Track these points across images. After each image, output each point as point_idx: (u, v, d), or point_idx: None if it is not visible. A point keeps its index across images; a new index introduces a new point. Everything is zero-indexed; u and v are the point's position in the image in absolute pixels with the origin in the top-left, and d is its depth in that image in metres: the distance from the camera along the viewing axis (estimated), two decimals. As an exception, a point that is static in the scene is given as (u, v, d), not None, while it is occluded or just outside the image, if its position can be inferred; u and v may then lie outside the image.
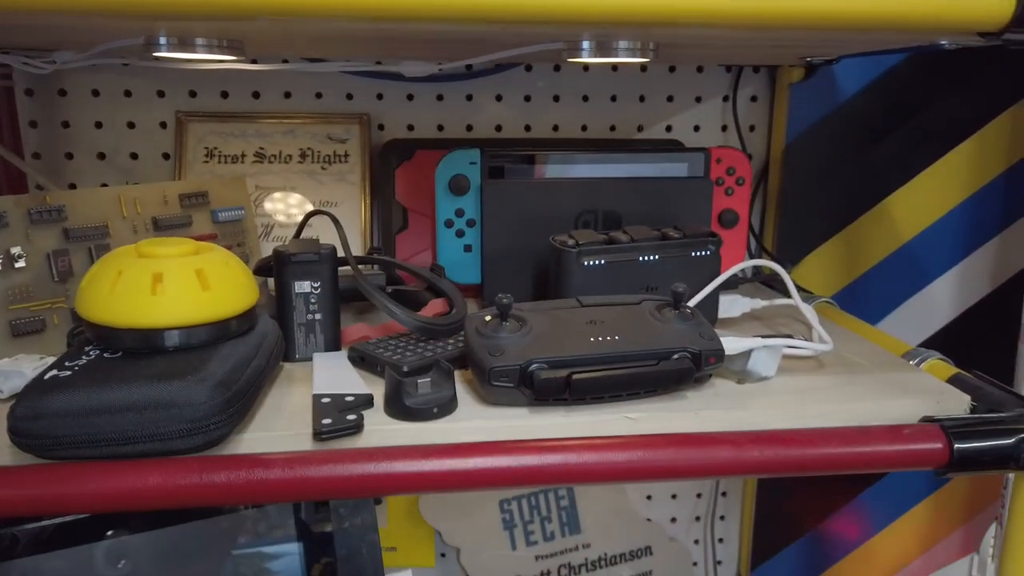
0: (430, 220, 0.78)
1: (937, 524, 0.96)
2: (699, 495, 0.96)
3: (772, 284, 0.79)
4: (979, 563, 0.78)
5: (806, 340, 0.59)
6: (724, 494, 0.96)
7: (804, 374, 0.56)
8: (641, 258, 0.60)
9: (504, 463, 0.43)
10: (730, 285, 0.68)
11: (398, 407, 0.48)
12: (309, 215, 0.63)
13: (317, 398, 0.49)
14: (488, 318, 0.51)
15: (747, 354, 0.53)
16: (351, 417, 0.46)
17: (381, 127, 0.82)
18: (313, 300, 0.57)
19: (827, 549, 0.96)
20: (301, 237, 0.63)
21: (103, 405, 0.41)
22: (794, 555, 0.96)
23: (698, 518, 0.96)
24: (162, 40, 0.56)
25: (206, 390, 0.42)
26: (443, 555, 0.91)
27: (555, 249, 0.60)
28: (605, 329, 0.51)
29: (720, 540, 0.97)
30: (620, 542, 0.92)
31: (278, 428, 0.46)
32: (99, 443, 0.41)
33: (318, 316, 0.58)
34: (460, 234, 0.70)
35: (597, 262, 0.59)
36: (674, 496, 0.95)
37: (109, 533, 0.52)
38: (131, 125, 0.79)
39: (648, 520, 0.94)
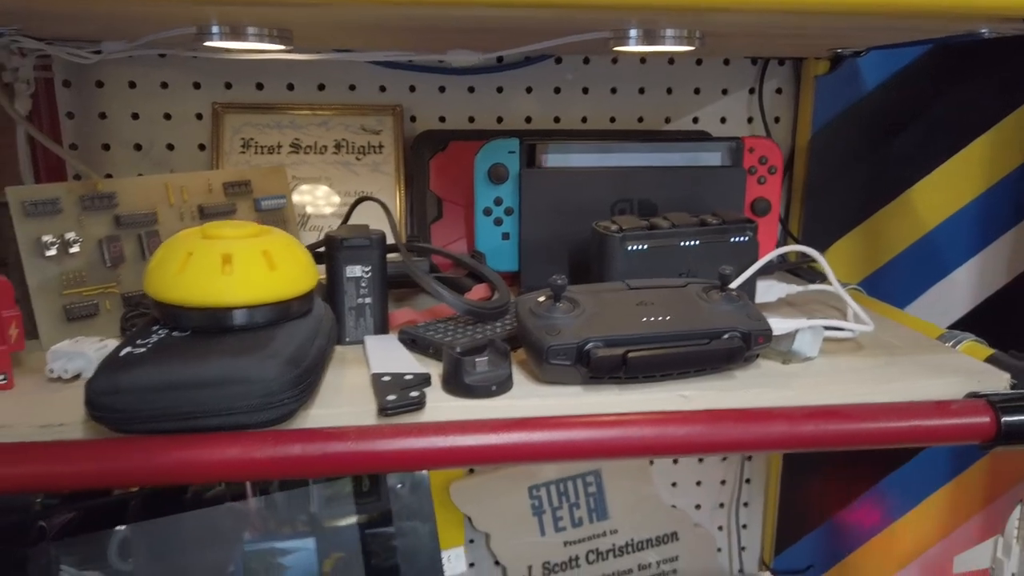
0: (464, 210, 0.79)
1: (957, 509, 0.97)
2: (723, 482, 0.97)
3: (798, 272, 0.80)
4: (1003, 545, 0.79)
5: (847, 322, 0.60)
6: (748, 481, 0.97)
7: (845, 355, 0.57)
8: (682, 243, 0.61)
9: (571, 436, 0.44)
10: (763, 272, 0.70)
11: (457, 385, 0.49)
12: (358, 201, 0.64)
13: (376, 377, 0.50)
14: (542, 299, 0.52)
15: (792, 335, 0.55)
16: (414, 394, 0.47)
17: (413, 119, 0.83)
18: (364, 284, 0.59)
19: (849, 535, 0.98)
20: (349, 223, 0.64)
21: (179, 381, 0.42)
22: (817, 541, 0.98)
23: (722, 505, 0.98)
24: (214, 29, 0.57)
25: (277, 366, 0.43)
26: (471, 540, 0.93)
27: (598, 234, 0.61)
28: (655, 310, 0.52)
29: (744, 526, 0.98)
30: (646, 528, 0.94)
31: (342, 405, 0.47)
32: (174, 417, 0.42)
33: (368, 300, 0.59)
34: (498, 222, 0.71)
35: (640, 247, 0.60)
36: (699, 483, 0.97)
37: (120, 527, 0.52)
38: (167, 117, 0.80)
39: (673, 507, 0.96)
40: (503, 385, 0.50)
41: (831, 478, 0.96)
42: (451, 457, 0.44)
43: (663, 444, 0.45)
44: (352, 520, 0.48)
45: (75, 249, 0.59)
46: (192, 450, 0.42)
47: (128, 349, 0.44)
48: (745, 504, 0.98)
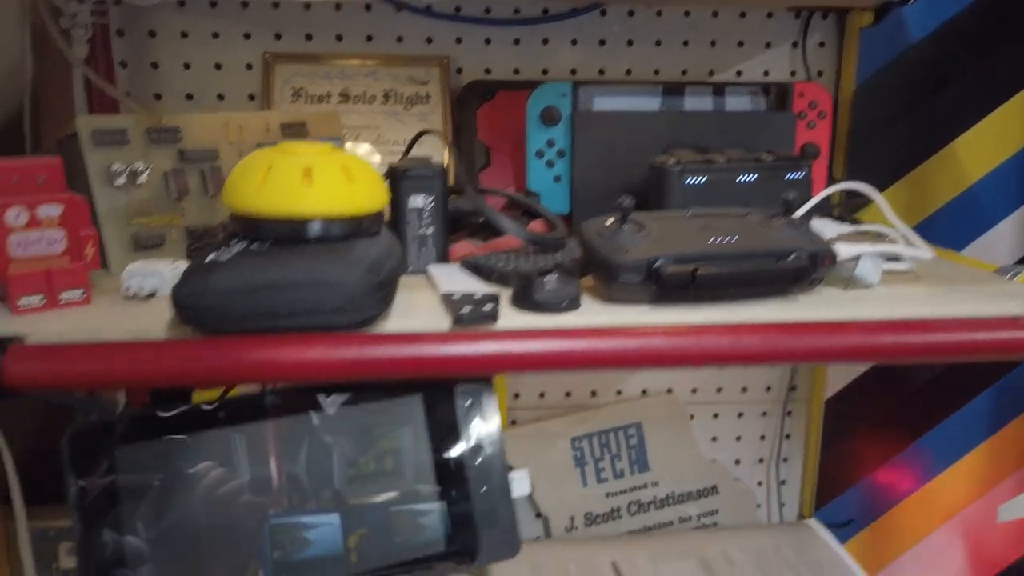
0: (511, 158, 0.80)
1: (997, 465, 0.97)
2: (763, 437, 0.98)
3: (842, 219, 0.80)
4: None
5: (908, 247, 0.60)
6: (788, 436, 0.98)
7: (905, 285, 0.58)
8: (739, 178, 0.62)
9: (647, 344, 0.45)
10: (816, 211, 0.70)
11: (528, 301, 0.50)
12: (419, 135, 0.65)
13: (447, 296, 0.51)
14: (609, 222, 0.53)
15: (855, 260, 0.55)
16: (488, 307, 0.48)
17: (459, 71, 0.84)
18: (426, 215, 0.59)
19: (889, 490, 0.98)
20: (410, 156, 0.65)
21: (266, 282, 0.43)
22: (856, 496, 0.98)
23: (761, 460, 0.98)
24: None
25: (359, 272, 0.44)
26: (513, 495, 0.93)
27: (655, 168, 0.61)
28: (721, 232, 0.52)
29: (783, 482, 0.98)
30: (687, 481, 0.94)
31: (417, 318, 0.48)
32: (261, 317, 0.43)
33: (430, 230, 0.60)
34: (550, 165, 0.71)
35: (698, 181, 0.61)
36: (738, 438, 0.97)
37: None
38: (218, 67, 0.81)
39: (713, 461, 0.96)
40: (572, 302, 0.50)
41: (871, 434, 0.97)
42: (528, 362, 0.45)
43: (739, 353, 0.45)
44: (376, 498, 0.50)
45: (142, 180, 0.60)
46: (279, 349, 0.43)
47: (212, 256, 0.45)
48: (784, 460, 0.98)
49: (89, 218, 0.52)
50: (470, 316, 0.47)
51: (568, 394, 0.94)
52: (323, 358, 0.43)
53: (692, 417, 0.96)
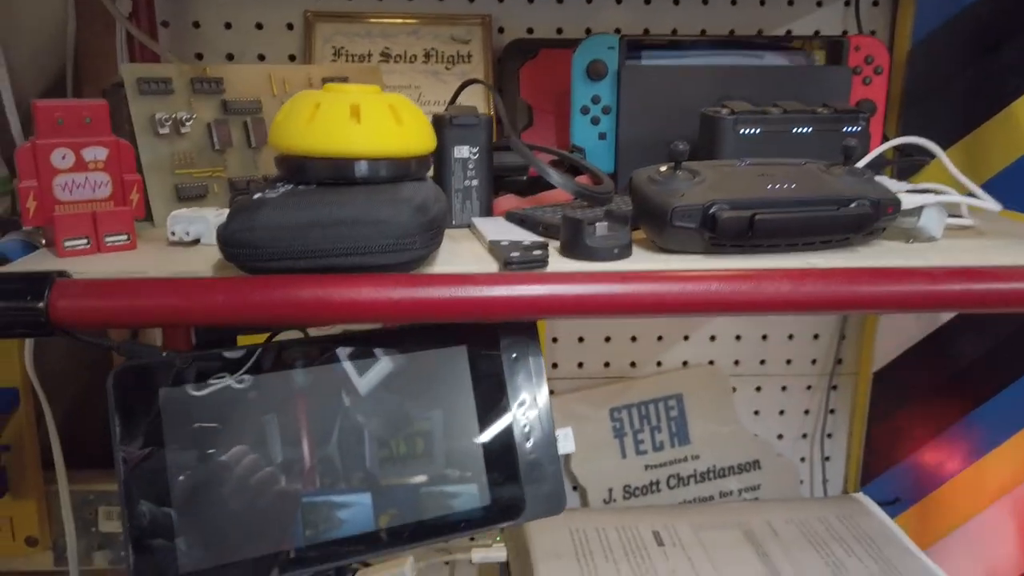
0: (555, 117, 0.78)
1: (1052, 444, 0.94)
2: (807, 412, 0.95)
3: (898, 181, 0.78)
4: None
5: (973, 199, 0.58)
6: (832, 411, 0.95)
7: (968, 239, 0.55)
8: (794, 130, 0.60)
9: (703, 288, 0.43)
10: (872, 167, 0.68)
11: (578, 248, 0.48)
12: (464, 84, 0.64)
13: (494, 243, 0.50)
14: (663, 168, 0.51)
15: (918, 210, 0.53)
16: (538, 252, 0.47)
17: (501, 30, 0.82)
18: (471, 166, 0.58)
19: (937, 468, 0.95)
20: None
21: (314, 219, 0.42)
22: (903, 474, 0.95)
23: (805, 435, 0.96)
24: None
25: (409, 211, 0.43)
26: (551, 465, 0.92)
27: (709, 118, 0.59)
28: (779, 180, 0.50)
29: (827, 458, 0.96)
30: (728, 455, 0.92)
31: (465, 264, 0.47)
32: (309, 255, 0.42)
33: (475, 182, 0.58)
34: (595, 121, 0.70)
35: (752, 131, 0.59)
36: (781, 412, 0.95)
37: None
38: (259, 26, 0.80)
39: (755, 436, 0.94)
40: (624, 250, 0.49)
41: (919, 409, 0.94)
42: (580, 305, 0.43)
43: (800, 300, 0.43)
44: (407, 480, 0.49)
45: (186, 129, 0.59)
46: (327, 288, 0.42)
47: (259, 195, 0.44)
48: (829, 435, 0.96)
49: (134, 163, 0.52)
50: (520, 260, 0.46)
51: (607, 364, 0.92)
52: (371, 298, 0.42)
53: (734, 390, 0.94)
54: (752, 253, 0.49)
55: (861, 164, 0.60)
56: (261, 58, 0.81)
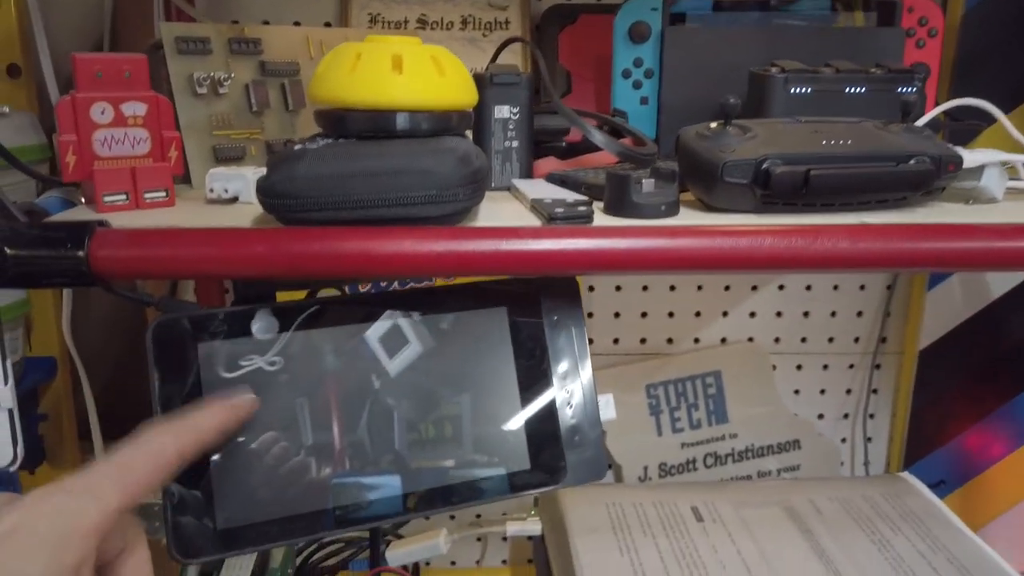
0: (594, 84, 0.77)
1: (1107, 427, 0.91)
2: (848, 391, 0.93)
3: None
4: None
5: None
6: (875, 391, 0.93)
7: (1031, 202, 0.53)
8: (847, 90, 0.58)
9: (756, 244, 0.42)
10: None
11: (624, 205, 0.47)
12: (505, 43, 0.62)
13: (537, 201, 0.48)
14: (713, 124, 0.49)
15: (979, 170, 0.51)
16: (582, 208, 0.45)
17: (539, -3, 0.81)
18: (511, 127, 0.57)
19: (982, 452, 0.92)
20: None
21: (355, 169, 0.41)
22: (947, 456, 0.92)
23: (846, 415, 0.94)
24: None
25: (451, 162, 0.42)
26: (585, 442, 0.91)
27: (758, 77, 0.57)
28: (834, 136, 0.49)
29: (869, 439, 0.94)
30: (767, 434, 0.90)
31: (508, 222, 0.46)
32: (350, 206, 0.41)
33: (515, 144, 0.57)
34: (637, 85, 0.68)
35: (804, 90, 0.57)
36: (822, 391, 0.93)
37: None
38: (294, -7, 0.80)
39: (795, 415, 0.92)
40: (672, 207, 0.47)
41: (965, 389, 0.91)
42: (628, 259, 0.42)
43: (858, 255, 0.41)
44: (446, 443, 0.48)
45: (224, 90, 0.58)
46: (369, 240, 0.41)
47: (300, 146, 0.43)
48: (871, 416, 0.93)
49: (172, 120, 0.51)
50: (564, 215, 0.44)
51: (643, 340, 0.91)
52: (413, 251, 0.41)
53: (774, 368, 0.91)
54: (805, 212, 0.47)
55: (925, 119, 0.58)
56: (296, 23, 0.80)
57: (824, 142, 0.48)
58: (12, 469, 0.41)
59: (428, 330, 0.49)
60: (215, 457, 0.44)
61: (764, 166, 0.46)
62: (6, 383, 0.40)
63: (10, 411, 0.40)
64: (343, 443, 0.46)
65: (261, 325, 0.46)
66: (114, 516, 0.35)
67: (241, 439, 0.44)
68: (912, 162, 0.47)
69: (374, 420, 0.47)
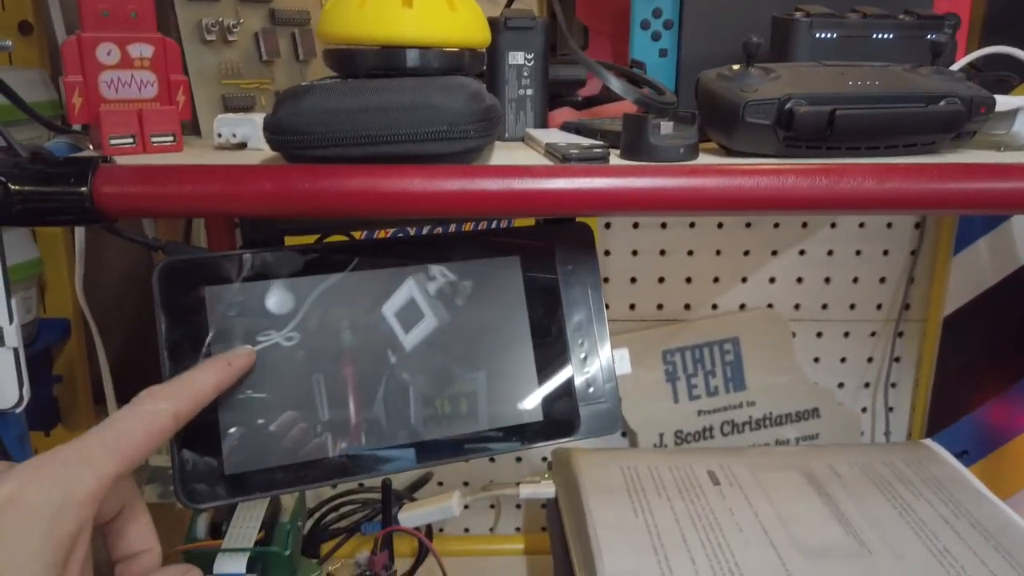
0: (611, 40, 0.75)
1: None
2: (870, 359, 0.91)
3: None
4: None
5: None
6: (898, 359, 0.91)
7: (1067, 150, 0.51)
8: (875, 35, 0.55)
9: (781, 183, 0.40)
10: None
11: (641, 147, 0.45)
12: (518, -11, 0.61)
13: (551, 145, 0.47)
14: (735, 66, 0.48)
15: (1013, 114, 0.49)
16: (597, 150, 0.44)
17: (556, -48, 0.79)
18: (526, 74, 0.55)
19: (1007, 421, 0.90)
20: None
21: (366, 104, 0.40)
22: (970, 427, 0.91)
23: (867, 384, 0.92)
24: None
25: (463, 98, 0.41)
26: (600, 408, 0.90)
27: (782, 22, 0.55)
28: (861, 77, 0.47)
29: (891, 408, 0.92)
30: (786, 403, 0.89)
31: (521, 163, 0.44)
32: (359, 141, 0.40)
33: (529, 92, 0.56)
34: (656, 37, 0.66)
35: (829, 35, 0.55)
36: (843, 360, 0.91)
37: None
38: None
39: (815, 384, 0.90)
40: (690, 150, 0.46)
41: (990, 358, 0.89)
42: (645, 199, 0.40)
43: (885, 196, 0.40)
44: (447, 414, 0.48)
45: (233, 37, 0.57)
46: (378, 177, 0.39)
47: (308, 83, 0.42)
48: (893, 385, 0.92)
49: (180, 63, 0.50)
50: (578, 156, 0.43)
51: (660, 307, 0.89)
52: (423, 189, 0.39)
53: (794, 335, 0.90)
54: (829, 156, 0.46)
55: (957, 66, 0.56)
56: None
57: (851, 83, 0.46)
58: (18, 411, 0.40)
59: (443, 278, 0.48)
60: (223, 405, 0.43)
61: (787, 106, 0.44)
62: (11, 322, 0.39)
63: (15, 350, 0.39)
64: (354, 378, 0.46)
65: (270, 266, 0.45)
66: (109, 483, 0.35)
67: (249, 386, 0.44)
68: (942, 103, 0.45)
69: (387, 375, 0.46)
